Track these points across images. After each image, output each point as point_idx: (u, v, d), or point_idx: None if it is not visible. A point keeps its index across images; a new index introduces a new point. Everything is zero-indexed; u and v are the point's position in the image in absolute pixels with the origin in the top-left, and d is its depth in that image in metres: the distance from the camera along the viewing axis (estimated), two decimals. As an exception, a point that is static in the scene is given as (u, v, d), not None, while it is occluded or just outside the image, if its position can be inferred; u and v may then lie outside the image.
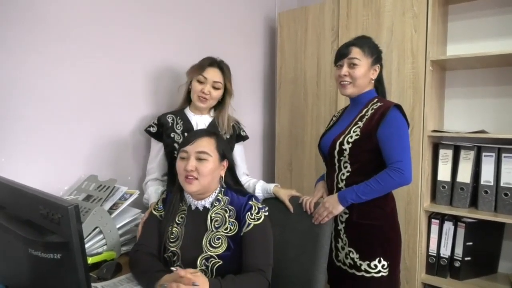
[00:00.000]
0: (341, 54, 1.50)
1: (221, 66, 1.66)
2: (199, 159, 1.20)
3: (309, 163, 2.34)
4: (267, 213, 1.24)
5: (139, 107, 1.82)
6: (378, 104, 1.45)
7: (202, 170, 1.19)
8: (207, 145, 1.22)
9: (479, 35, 2.09)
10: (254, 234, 1.18)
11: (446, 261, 1.94)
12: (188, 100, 1.72)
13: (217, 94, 1.65)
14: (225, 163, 1.29)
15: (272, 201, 1.54)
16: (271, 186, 1.56)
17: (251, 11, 2.48)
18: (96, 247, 1.33)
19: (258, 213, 1.21)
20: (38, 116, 1.45)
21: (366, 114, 1.45)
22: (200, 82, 1.62)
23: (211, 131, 1.34)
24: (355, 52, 1.46)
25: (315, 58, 2.29)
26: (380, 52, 1.53)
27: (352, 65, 1.46)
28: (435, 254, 1.97)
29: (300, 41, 2.35)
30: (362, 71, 1.46)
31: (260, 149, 2.64)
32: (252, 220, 1.20)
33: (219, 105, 1.72)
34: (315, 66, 2.29)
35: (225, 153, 1.28)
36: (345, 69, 1.47)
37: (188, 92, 1.70)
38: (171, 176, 1.67)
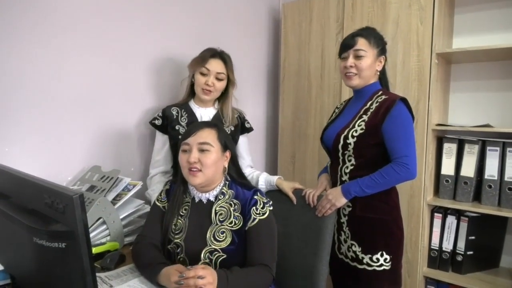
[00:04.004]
0: (347, 45, 1.47)
1: (223, 57, 1.65)
2: (201, 150, 1.19)
3: (312, 155, 2.33)
4: (271, 208, 1.24)
5: (142, 99, 1.82)
6: (383, 97, 1.43)
7: (205, 161, 1.18)
8: (208, 135, 1.21)
9: (486, 28, 2.07)
10: (259, 229, 1.18)
11: (448, 255, 1.94)
12: (192, 93, 1.71)
13: (221, 85, 1.64)
14: (228, 154, 1.27)
15: (275, 193, 1.54)
16: (274, 178, 1.56)
17: (255, 2, 2.45)
18: (100, 237, 1.33)
19: (263, 207, 1.21)
20: (42, 107, 1.45)
21: (371, 107, 1.44)
22: (203, 74, 1.61)
23: (211, 122, 1.32)
24: (361, 43, 1.44)
25: (319, 50, 2.27)
26: (385, 43, 1.51)
27: (358, 57, 1.44)
28: (437, 248, 1.97)
29: (305, 32, 2.33)
30: (368, 62, 1.44)
31: (263, 142, 2.63)
32: (257, 215, 1.19)
33: (223, 97, 1.71)
34: (320, 58, 2.27)
35: (227, 144, 1.26)
36: (350, 60, 1.45)
37: (192, 85, 1.69)
38: (176, 169, 1.67)
